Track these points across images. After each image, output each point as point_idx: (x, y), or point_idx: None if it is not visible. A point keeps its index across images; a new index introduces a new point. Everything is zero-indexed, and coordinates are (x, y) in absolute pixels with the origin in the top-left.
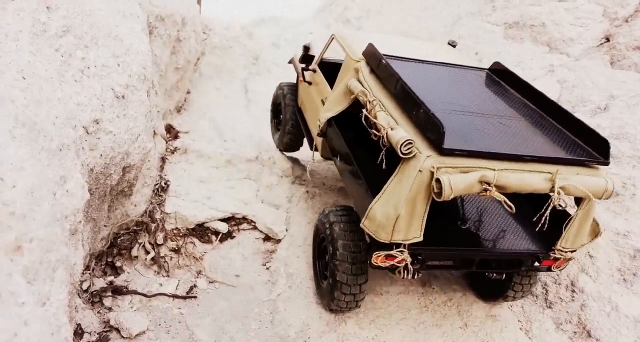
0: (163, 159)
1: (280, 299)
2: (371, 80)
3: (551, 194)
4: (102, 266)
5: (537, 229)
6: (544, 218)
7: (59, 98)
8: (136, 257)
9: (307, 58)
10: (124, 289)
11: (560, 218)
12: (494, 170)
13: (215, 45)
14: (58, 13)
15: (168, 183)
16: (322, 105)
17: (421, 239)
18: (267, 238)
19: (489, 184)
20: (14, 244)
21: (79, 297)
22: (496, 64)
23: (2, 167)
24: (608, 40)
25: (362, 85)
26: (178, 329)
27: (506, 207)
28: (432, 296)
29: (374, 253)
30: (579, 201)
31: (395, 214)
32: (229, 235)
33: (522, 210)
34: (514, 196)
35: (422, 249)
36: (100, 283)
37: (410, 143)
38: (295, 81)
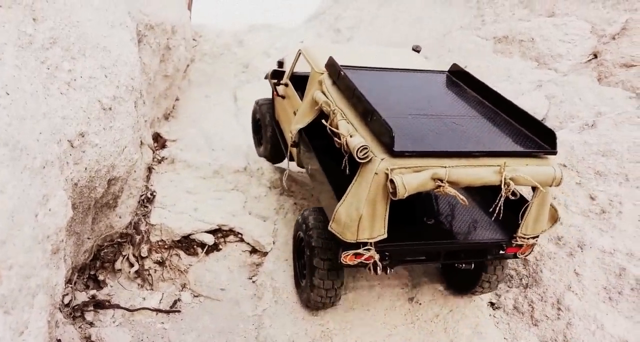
0: (149, 169)
1: (266, 315)
2: (333, 91)
3: (502, 186)
4: (85, 279)
5: (496, 218)
6: (498, 208)
7: (43, 113)
8: (120, 270)
9: (278, 73)
10: (106, 303)
11: (521, 206)
12: (445, 167)
13: (206, 52)
14: (45, 24)
15: (154, 194)
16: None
17: (385, 236)
18: (253, 251)
19: (441, 180)
20: None
21: (60, 311)
22: (454, 66)
23: None
24: (596, 56)
25: (325, 96)
26: None
27: (460, 200)
28: (418, 312)
29: (343, 252)
30: (535, 188)
31: (358, 214)
32: (215, 247)
33: (486, 201)
34: (478, 189)
35: (388, 246)
36: (82, 297)
37: (366, 148)
38: (271, 96)
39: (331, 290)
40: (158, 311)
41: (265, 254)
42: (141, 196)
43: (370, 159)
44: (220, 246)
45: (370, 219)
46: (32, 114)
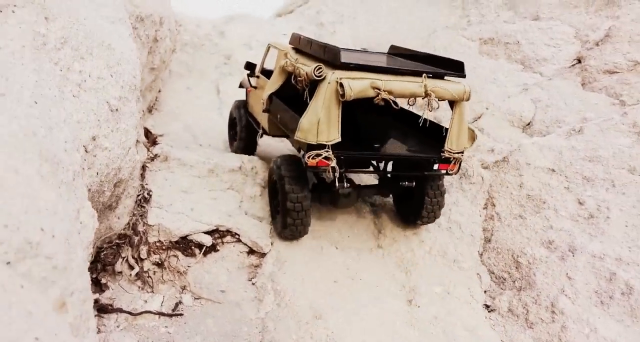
0: (143, 167)
1: (269, 318)
2: (295, 55)
3: (426, 96)
4: None
5: (428, 145)
6: (424, 116)
7: (64, 119)
8: (120, 272)
9: (250, 66)
10: (109, 307)
11: (442, 135)
12: (382, 80)
13: (186, 42)
14: (56, 23)
15: (150, 193)
16: None
17: (339, 140)
18: (251, 251)
19: (379, 89)
20: (59, 300)
21: None
22: (392, 47)
23: (40, 216)
24: (580, 61)
25: (290, 60)
26: None
27: (392, 105)
28: (417, 314)
29: (307, 154)
30: (453, 105)
31: (317, 119)
32: (212, 248)
33: (421, 135)
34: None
35: (342, 152)
36: None
37: (321, 68)
38: (244, 98)
39: (301, 212)
40: (161, 314)
41: (263, 255)
42: (138, 195)
43: (324, 76)
44: (218, 247)
45: (326, 123)
46: (56, 121)
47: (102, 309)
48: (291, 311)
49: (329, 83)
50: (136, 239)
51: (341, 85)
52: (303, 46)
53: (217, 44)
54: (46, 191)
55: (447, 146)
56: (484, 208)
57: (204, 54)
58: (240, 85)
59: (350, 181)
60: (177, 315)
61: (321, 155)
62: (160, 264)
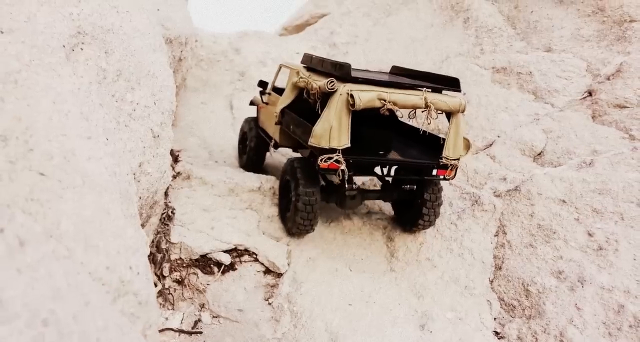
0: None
1: (285, 339)
2: (307, 73)
3: (426, 107)
4: None
5: (427, 154)
6: (425, 124)
7: (122, 150)
8: None
9: (262, 84)
10: None
11: (443, 144)
12: (387, 92)
13: (202, 58)
14: (113, 57)
15: (174, 211)
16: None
17: (349, 145)
18: (267, 271)
19: (385, 100)
20: (142, 333)
21: None
22: (394, 67)
23: (127, 254)
24: (591, 94)
25: (302, 77)
26: None
27: (397, 113)
28: (430, 340)
29: (319, 158)
30: (450, 117)
31: (329, 126)
32: (230, 267)
33: (420, 145)
34: (415, 137)
35: (351, 157)
36: None
37: (333, 81)
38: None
39: (311, 212)
40: (181, 331)
41: (279, 275)
42: (162, 213)
43: (336, 88)
44: (236, 266)
45: (337, 130)
46: (120, 155)
47: None
48: (308, 332)
49: (340, 94)
50: (159, 256)
51: (352, 96)
52: (315, 64)
53: (232, 61)
54: (129, 229)
55: (444, 153)
56: (495, 236)
57: (219, 70)
58: (251, 103)
59: (357, 187)
60: (196, 333)
61: (332, 158)
62: (180, 282)
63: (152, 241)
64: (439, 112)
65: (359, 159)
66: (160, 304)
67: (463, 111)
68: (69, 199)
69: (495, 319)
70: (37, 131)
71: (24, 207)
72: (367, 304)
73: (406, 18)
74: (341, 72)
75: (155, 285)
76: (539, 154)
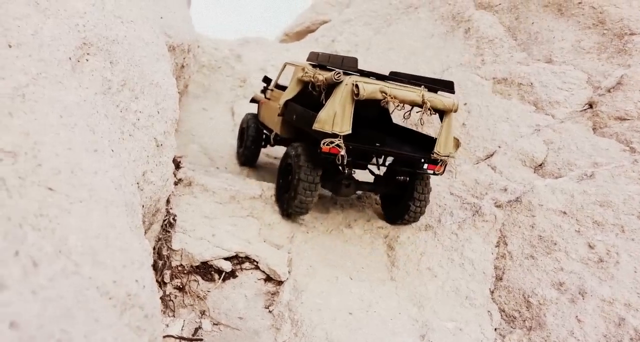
0: None
1: None
2: (313, 69)
3: (423, 104)
4: None
5: (419, 149)
6: (423, 115)
7: (127, 160)
8: None
9: (267, 79)
10: None
11: (434, 143)
12: (388, 87)
13: (203, 64)
14: (118, 67)
15: (175, 218)
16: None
17: (350, 132)
18: (268, 279)
19: (386, 93)
20: None
21: None
22: (392, 72)
23: (134, 267)
24: (591, 106)
25: (307, 72)
26: None
27: (393, 105)
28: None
29: (322, 142)
30: (443, 115)
31: (333, 112)
32: (231, 274)
33: (413, 143)
34: (412, 138)
35: (351, 143)
36: None
37: (339, 73)
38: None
39: (310, 194)
40: (182, 338)
41: (280, 283)
42: (164, 220)
43: (342, 79)
44: (237, 273)
45: (341, 117)
46: (124, 165)
47: None
48: (308, 341)
49: (346, 85)
50: (160, 263)
51: (357, 86)
52: (321, 60)
53: (234, 67)
54: (135, 242)
55: (435, 149)
56: (496, 246)
57: (220, 76)
58: (252, 100)
59: (352, 177)
60: (197, 340)
61: (334, 143)
62: (181, 288)
63: (154, 248)
64: (433, 113)
65: (358, 146)
66: (162, 310)
67: (456, 111)
68: (76, 213)
69: (495, 329)
70: (45, 146)
71: (34, 224)
72: (367, 313)
73: (407, 28)
74: (348, 64)
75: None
76: (540, 165)
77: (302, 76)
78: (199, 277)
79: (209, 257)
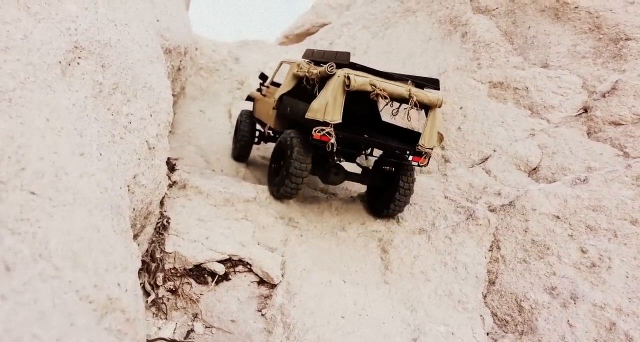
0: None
1: None
2: (307, 64)
3: (409, 99)
4: None
5: (405, 142)
6: (410, 108)
7: (117, 163)
8: None
9: (263, 76)
10: None
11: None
12: (378, 80)
13: (202, 66)
14: (110, 71)
15: (169, 221)
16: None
17: (340, 121)
18: (261, 282)
19: (375, 86)
20: None
21: None
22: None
23: (116, 271)
24: (586, 111)
25: (302, 67)
26: None
27: (382, 98)
28: None
29: (314, 129)
30: (428, 111)
31: (325, 102)
32: (224, 277)
33: (399, 139)
34: (399, 134)
35: (341, 132)
36: None
37: (332, 65)
38: (251, 109)
39: (300, 177)
40: (173, 341)
41: (273, 286)
42: (157, 223)
43: (335, 71)
44: (230, 276)
45: (332, 106)
46: (113, 169)
47: None
48: None
49: (338, 76)
50: (153, 265)
51: (348, 78)
52: (316, 56)
53: (232, 69)
54: (118, 246)
55: (420, 142)
56: (489, 250)
57: (218, 78)
58: (248, 98)
59: (340, 166)
60: None
61: (325, 130)
62: (174, 291)
63: (147, 251)
64: (419, 108)
65: (347, 135)
66: (153, 313)
67: (440, 106)
68: (58, 217)
69: (488, 334)
70: (30, 150)
71: (14, 228)
72: (360, 316)
73: (405, 31)
74: (341, 58)
75: (149, 294)
76: (534, 169)
77: (297, 71)
78: (192, 280)
79: (203, 260)
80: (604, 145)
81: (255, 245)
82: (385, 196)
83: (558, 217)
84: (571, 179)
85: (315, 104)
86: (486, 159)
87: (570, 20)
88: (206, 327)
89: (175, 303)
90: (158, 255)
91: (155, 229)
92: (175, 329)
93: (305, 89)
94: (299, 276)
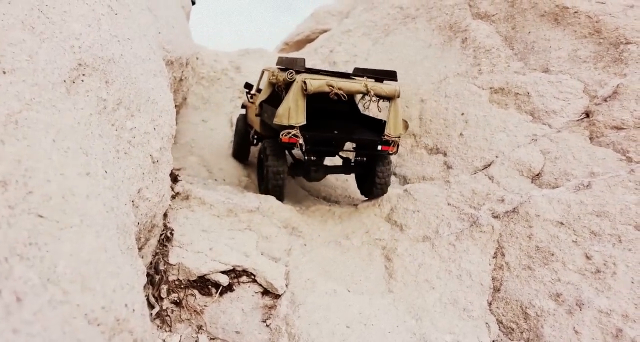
0: None
1: None
2: (279, 71)
3: (367, 93)
4: None
5: (373, 133)
6: (368, 102)
7: (121, 179)
8: None
9: (248, 85)
10: None
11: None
12: (334, 80)
13: (203, 76)
14: (114, 86)
15: (172, 232)
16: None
17: (305, 123)
18: (265, 292)
19: (332, 86)
20: None
21: None
22: (355, 69)
23: (123, 292)
24: (588, 116)
25: (274, 74)
26: None
27: (341, 96)
28: None
29: (281, 133)
30: (389, 100)
31: (288, 107)
32: (228, 288)
33: (368, 128)
34: (372, 126)
35: (308, 133)
36: None
37: (292, 72)
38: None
39: (279, 180)
40: None
41: (277, 296)
42: (161, 234)
43: (294, 78)
44: (234, 287)
45: (295, 110)
46: (118, 185)
47: None
48: None
49: (296, 82)
50: (157, 278)
51: (305, 82)
52: (283, 64)
53: (233, 78)
54: (126, 265)
55: (386, 132)
56: (493, 257)
57: (220, 88)
58: (243, 106)
59: (320, 162)
60: None
61: (291, 133)
62: (178, 303)
63: (151, 263)
64: (378, 99)
65: (314, 134)
66: (158, 326)
67: (398, 96)
68: (66, 240)
69: (493, 341)
70: (37, 172)
71: (22, 253)
72: (365, 326)
73: (405, 38)
74: (296, 65)
75: (153, 307)
76: (537, 175)
77: (270, 78)
78: (196, 292)
79: (207, 271)
80: (607, 150)
81: (259, 255)
82: (369, 181)
83: (562, 223)
84: (574, 184)
85: (280, 110)
86: (489, 165)
87: (570, 25)
88: (211, 338)
89: (180, 315)
90: (162, 267)
91: (159, 241)
92: (180, 341)
93: (280, 94)
94: (304, 285)
